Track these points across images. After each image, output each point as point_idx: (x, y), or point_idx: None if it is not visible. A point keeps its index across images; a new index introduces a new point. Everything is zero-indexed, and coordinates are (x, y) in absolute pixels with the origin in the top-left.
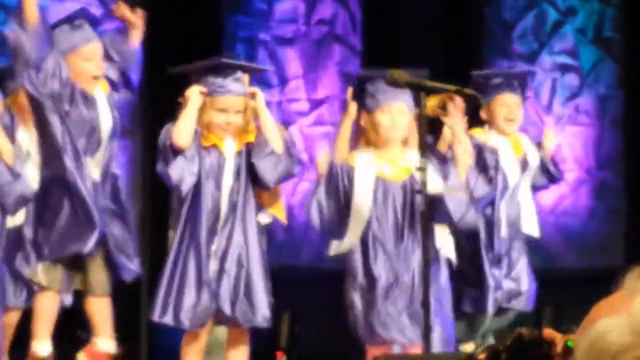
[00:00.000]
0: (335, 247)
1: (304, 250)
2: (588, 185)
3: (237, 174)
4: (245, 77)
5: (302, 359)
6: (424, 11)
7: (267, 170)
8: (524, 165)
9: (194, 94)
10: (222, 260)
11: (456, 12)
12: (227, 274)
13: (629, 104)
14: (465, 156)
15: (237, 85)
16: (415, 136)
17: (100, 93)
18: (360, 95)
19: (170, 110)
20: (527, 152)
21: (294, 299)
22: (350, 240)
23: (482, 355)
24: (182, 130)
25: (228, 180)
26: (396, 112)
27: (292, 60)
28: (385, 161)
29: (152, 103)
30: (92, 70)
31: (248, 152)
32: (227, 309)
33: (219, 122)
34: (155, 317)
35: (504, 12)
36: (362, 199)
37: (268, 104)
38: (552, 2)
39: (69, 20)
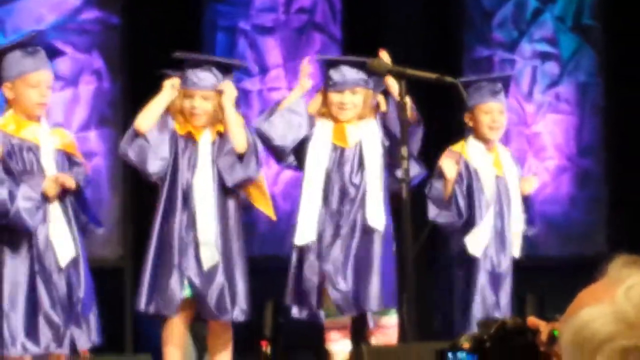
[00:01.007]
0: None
1: (286, 239)
2: (569, 173)
3: (213, 163)
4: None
5: (287, 348)
6: None
7: (225, 170)
8: (506, 185)
9: (168, 86)
10: (198, 249)
11: (436, 0)
12: (213, 266)
13: (609, 91)
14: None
15: (208, 78)
16: (370, 109)
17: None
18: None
19: (151, 98)
20: (507, 174)
21: (278, 289)
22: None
23: (466, 344)
24: (145, 117)
25: (202, 169)
26: (349, 91)
27: (272, 49)
28: (337, 134)
29: (132, 91)
30: (36, 98)
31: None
32: (208, 301)
33: (186, 107)
34: (141, 306)
35: (483, 0)
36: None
37: (248, 92)
38: None
39: (22, 45)
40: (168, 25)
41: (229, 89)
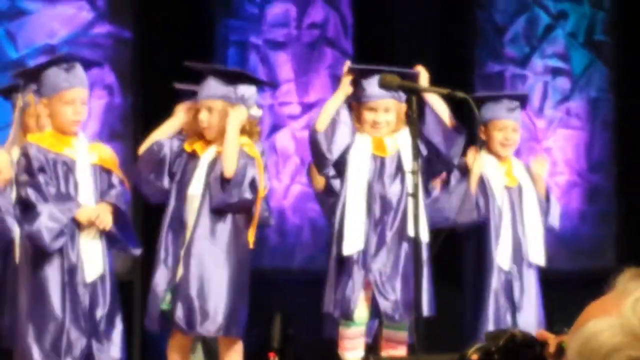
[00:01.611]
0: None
1: (296, 253)
2: (579, 188)
3: (206, 181)
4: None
5: None
6: (416, 14)
7: (211, 192)
8: (520, 195)
9: (180, 111)
10: (186, 265)
11: (448, 15)
12: (185, 279)
13: (620, 107)
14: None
15: (211, 88)
16: (403, 121)
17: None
18: (353, 85)
19: (161, 113)
20: (521, 184)
21: (287, 301)
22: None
23: (475, 356)
24: (147, 141)
25: (195, 185)
26: (382, 109)
27: (284, 64)
28: (377, 144)
29: (143, 106)
30: (70, 115)
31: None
32: (178, 315)
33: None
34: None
35: (495, 15)
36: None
37: (259, 107)
38: (543, 5)
39: (57, 62)
40: (180, 40)
41: (237, 112)
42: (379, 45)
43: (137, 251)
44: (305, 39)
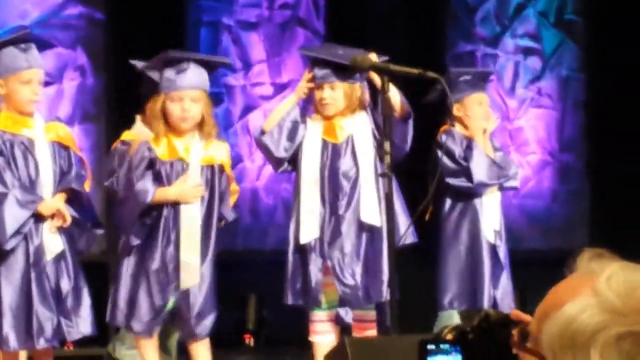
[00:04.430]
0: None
1: (269, 233)
2: (551, 168)
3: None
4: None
5: (270, 342)
6: None
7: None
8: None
9: None
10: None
11: None
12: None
13: (591, 86)
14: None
15: (192, 78)
16: (355, 102)
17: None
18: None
19: (134, 94)
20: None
21: (261, 283)
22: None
23: (450, 336)
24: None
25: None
26: (328, 87)
27: (256, 45)
28: (327, 130)
29: (116, 87)
30: (28, 95)
31: (212, 172)
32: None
33: (177, 114)
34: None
35: None
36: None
37: (232, 88)
38: None
39: (14, 42)
40: (152, 20)
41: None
42: (351, 25)
43: (99, 231)
44: (277, 19)
